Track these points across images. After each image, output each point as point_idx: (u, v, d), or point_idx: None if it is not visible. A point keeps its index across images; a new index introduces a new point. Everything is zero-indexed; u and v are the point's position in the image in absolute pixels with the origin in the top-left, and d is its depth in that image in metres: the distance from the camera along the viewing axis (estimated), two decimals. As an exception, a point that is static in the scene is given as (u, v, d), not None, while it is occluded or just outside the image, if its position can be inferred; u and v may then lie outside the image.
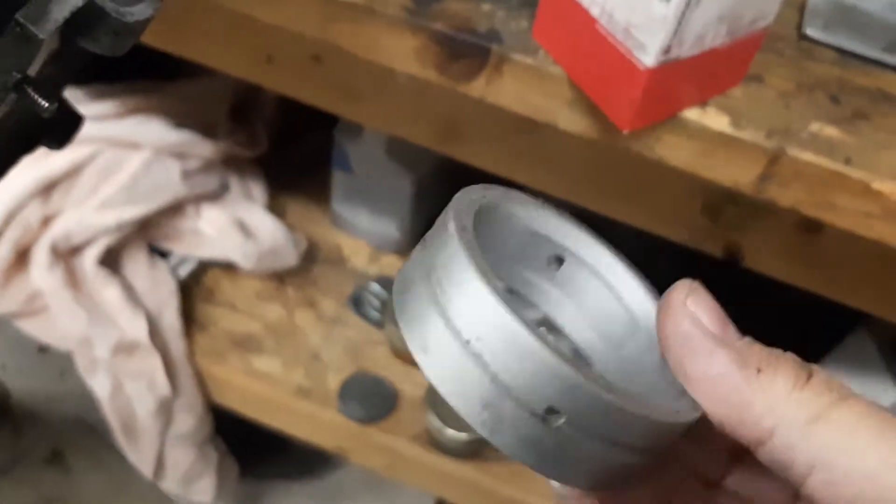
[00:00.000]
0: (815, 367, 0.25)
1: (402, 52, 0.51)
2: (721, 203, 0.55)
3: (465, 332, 0.23)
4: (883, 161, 0.46)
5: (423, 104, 0.58)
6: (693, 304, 0.25)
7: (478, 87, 0.50)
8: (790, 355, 0.25)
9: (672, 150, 0.47)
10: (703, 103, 0.46)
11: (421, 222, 0.95)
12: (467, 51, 0.49)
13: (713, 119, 0.46)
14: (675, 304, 0.25)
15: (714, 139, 0.46)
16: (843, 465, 0.23)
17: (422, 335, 0.24)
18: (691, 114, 0.46)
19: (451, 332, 0.23)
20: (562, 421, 0.22)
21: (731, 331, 0.25)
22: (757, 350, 0.25)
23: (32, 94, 0.29)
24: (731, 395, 0.24)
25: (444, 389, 0.23)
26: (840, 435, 0.23)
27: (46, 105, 0.29)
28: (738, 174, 0.47)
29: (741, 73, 0.47)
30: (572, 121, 0.49)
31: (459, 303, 0.23)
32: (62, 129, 0.37)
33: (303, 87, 0.64)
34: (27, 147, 0.36)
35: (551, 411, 0.22)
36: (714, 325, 0.25)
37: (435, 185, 0.92)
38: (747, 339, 0.25)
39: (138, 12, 0.27)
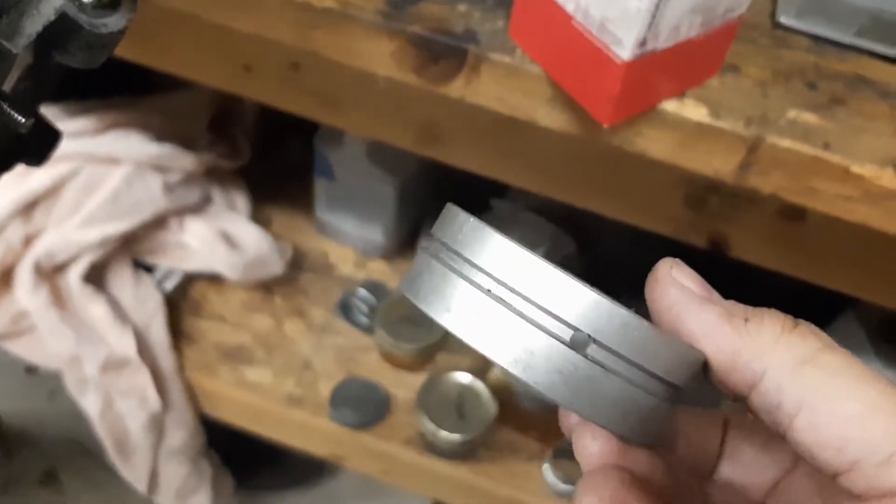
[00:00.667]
0: (800, 320, 0.26)
1: (380, 56, 0.51)
2: (703, 194, 0.55)
3: (484, 282, 0.24)
4: (861, 145, 0.46)
5: (403, 107, 0.58)
6: (678, 274, 0.26)
7: (457, 88, 0.50)
8: (774, 310, 0.26)
9: (652, 143, 0.48)
10: (680, 95, 0.47)
11: (405, 226, 0.95)
12: (445, 52, 0.49)
13: (691, 110, 0.46)
14: (662, 276, 0.26)
15: (693, 130, 0.47)
16: (828, 407, 0.23)
17: (443, 300, 0.24)
18: (670, 106, 0.46)
19: (471, 285, 0.24)
20: (592, 347, 0.23)
21: (716, 294, 0.26)
22: (742, 306, 0.26)
23: (7, 109, 0.29)
24: (722, 345, 0.25)
25: (473, 339, 0.24)
26: (827, 378, 0.24)
27: (23, 121, 0.29)
28: (718, 164, 0.47)
29: (717, 63, 0.48)
30: (552, 118, 0.49)
31: (477, 258, 0.24)
32: (40, 145, 0.36)
33: (282, 95, 0.64)
34: (5, 165, 0.36)
35: (580, 336, 0.23)
36: (699, 289, 0.26)
37: (418, 188, 0.92)
38: (732, 301, 0.26)
39: (112, 24, 0.27)
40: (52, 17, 0.26)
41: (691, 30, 0.43)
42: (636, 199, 0.58)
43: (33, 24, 0.27)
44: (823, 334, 0.25)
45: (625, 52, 0.42)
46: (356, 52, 0.52)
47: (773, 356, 0.24)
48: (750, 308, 0.26)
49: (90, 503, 1.04)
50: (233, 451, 0.97)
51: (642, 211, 0.58)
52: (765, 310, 0.26)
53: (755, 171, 0.47)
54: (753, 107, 0.47)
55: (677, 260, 0.27)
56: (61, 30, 0.27)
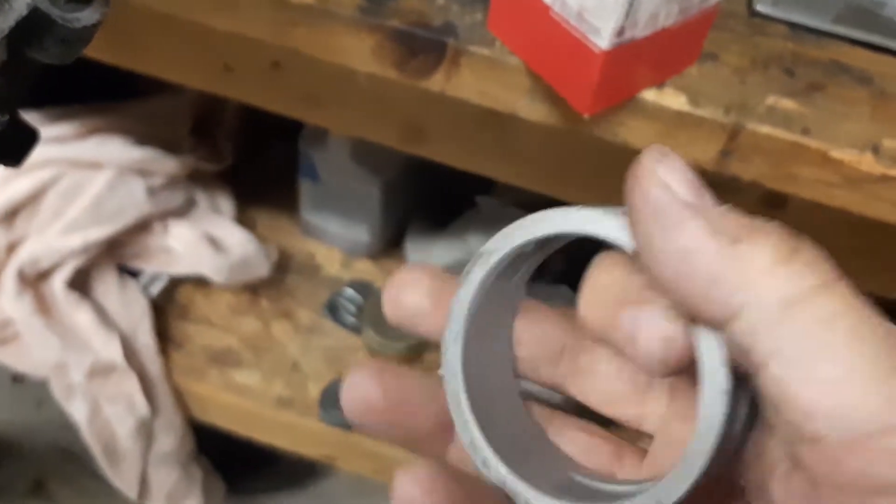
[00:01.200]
0: (805, 241, 0.21)
1: (360, 52, 0.51)
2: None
3: None
4: (840, 130, 0.46)
5: (386, 104, 0.58)
6: (664, 171, 0.22)
7: (437, 82, 0.50)
8: (776, 225, 0.21)
9: (633, 133, 0.48)
10: (660, 84, 0.47)
11: (391, 226, 0.95)
12: (424, 46, 0.49)
13: (671, 99, 0.46)
14: (645, 172, 0.22)
15: (673, 119, 0.47)
16: (803, 364, 0.20)
17: None
18: (649, 95, 0.46)
19: None
20: None
21: (708, 198, 0.22)
22: (735, 218, 0.21)
23: (-18, 108, 0.29)
24: (700, 269, 0.21)
25: None
26: (811, 327, 0.20)
27: (-2, 119, 0.29)
28: (699, 152, 0.48)
29: (696, 51, 0.48)
30: (533, 109, 0.49)
31: None
32: (17, 145, 0.36)
33: (264, 94, 0.64)
34: (-19, 165, 0.36)
35: None
36: (688, 192, 0.21)
37: (403, 187, 0.92)
38: (725, 207, 0.22)
39: (85, 18, 0.27)
40: (25, 12, 0.26)
41: (669, 18, 0.43)
42: (619, 191, 0.58)
43: (4, 20, 0.27)
44: (827, 265, 0.21)
45: (603, 41, 0.42)
46: (336, 48, 0.52)
47: (757, 291, 0.20)
48: (747, 223, 0.21)
49: (80, 511, 1.03)
50: (223, 455, 0.97)
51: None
52: (762, 228, 0.21)
53: (736, 159, 0.48)
54: (732, 94, 0.47)
55: (667, 149, 0.22)
56: (34, 25, 0.27)
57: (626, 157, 0.50)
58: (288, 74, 0.61)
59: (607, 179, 0.59)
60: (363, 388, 0.27)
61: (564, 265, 0.89)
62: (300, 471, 1.06)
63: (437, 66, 0.49)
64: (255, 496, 1.04)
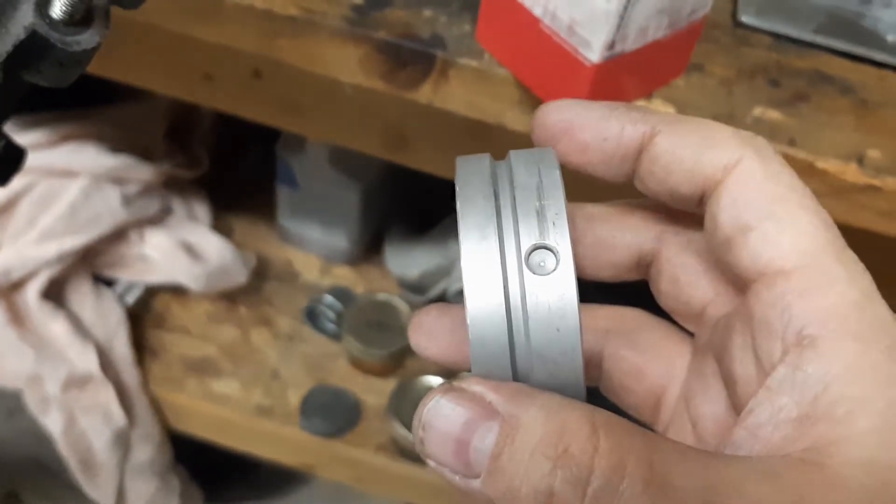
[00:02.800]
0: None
1: (347, 63, 0.50)
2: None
3: None
4: (825, 140, 0.47)
5: (370, 114, 0.58)
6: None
7: (425, 94, 0.50)
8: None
9: (622, 144, 0.48)
10: (648, 96, 0.47)
11: (370, 231, 0.95)
12: (412, 58, 0.49)
13: (659, 110, 0.47)
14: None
15: (662, 130, 0.47)
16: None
17: None
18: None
19: None
20: None
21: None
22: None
23: (-24, 132, 0.28)
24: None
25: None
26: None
27: (-8, 142, 0.28)
28: (687, 163, 0.48)
29: (683, 63, 0.48)
30: (521, 121, 0.49)
31: None
32: (5, 164, 0.35)
33: (244, 103, 0.63)
34: (-31, 186, 0.35)
35: None
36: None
37: (381, 193, 0.92)
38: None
39: (85, 41, 0.26)
40: (23, 36, 0.26)
41: (658, 31, 0.44)
42: (606, 202, 0.58)
43: (2, 44, 0.26)
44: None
45: (594, 54, 0.42)
46: (321, 59, 0.52)
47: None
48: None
49: (55, 524, 1.01)
50: (200, 464, 0.96)
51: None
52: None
53: (723, 169, 0.48)
54: (719, 105, 0.47)
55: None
56: (31, 48, 0.26)
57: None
58: (269, 84, 0.60)
59: (593, 191, 0.59)
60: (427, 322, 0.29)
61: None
62: (278, 478, 1.05)
63: (426, 77, 0.49)
64: (234, 504, 1.03)
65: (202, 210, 0.93)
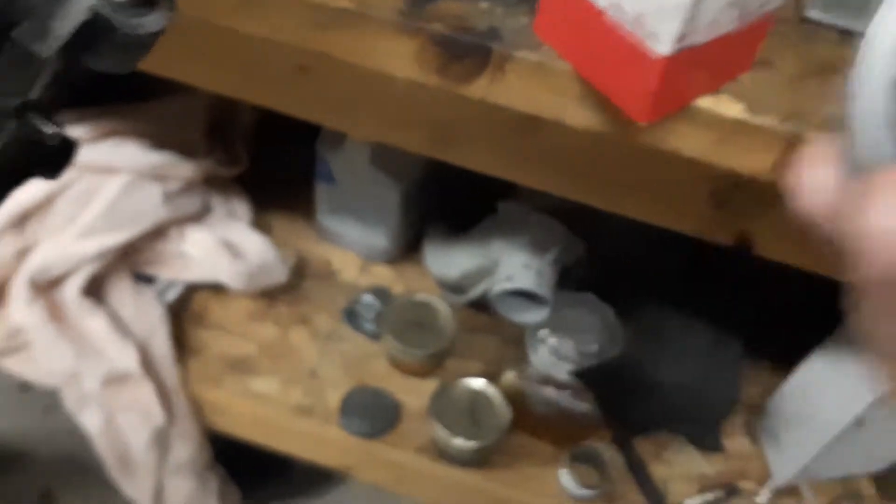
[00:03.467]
0: None
1: (400, 57, 0.49)
2: (730, 191, 0.54)
3: None
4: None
5: (419, 109, 0.56)
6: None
7: (480, 88, 0.49)
8: None
9: (686, 140, 0.46)
10: (715, 91, 0.45)
11: (410, 230, 0.93)
12: (468, 51, 0.47)
13: (727, 106, 0.45)
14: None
15: (729, 127, 0.45)
16: None
17: None
18: (705, 102, 0.45)
19: None
20: None
21: None
22: None
23: (35, 120, 0.27)
24: None
25: None
26: None
27: (51, 132, 0.27)
28: (754, 161, 0.46)
29: (750, 58, 0.46)
30: (581, 116, 0.47)
31: None
32: (58, 156, 0.34)
33: (287, 99, 0.62)
34: (22, 177, 0.34)
35: None
36: None
37: (422, 192, 0.91)
38: None
39: (149, 24, 0.25)
40: (85, 18, 0.25)
41: (728, 24, 0.42)
42: (661, 198, 0.56)
43: (63, 26, 0.25)
44: None
45: (663, 46, 0.40)
46: (373, 52, 0.50)
47: None
48: None
49: (91, 522, 1.01)
50: (237, 463, 0.95)
51: (667, 210, 0.57)
52: None
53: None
54: (789, 102, 0.45)
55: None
56: (94, 31, 0.25)
57: (670, 164, 0.49)
58: (315, 79, 0.59)
59: (648, 187, 0.57)
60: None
61: (589, 273, 0.87)
62: (313, 478, 1.04)
63: (482, 71, 0.48)
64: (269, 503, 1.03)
65: (242, 208, 0.93)
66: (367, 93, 0.58)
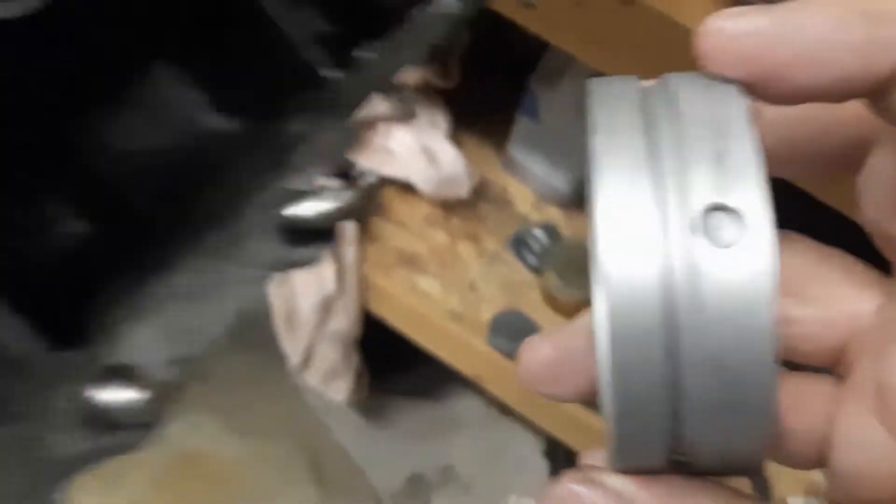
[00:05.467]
0: None
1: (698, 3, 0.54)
2: None
3: None
4: None
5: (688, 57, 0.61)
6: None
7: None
8: None
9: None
10: None
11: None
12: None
13: None
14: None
15: None
16: None
17: None
18: None
19: None
20: None
21: None
22: None
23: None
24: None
25: None
26: None
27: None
28: None
29: None
30: None
31: None
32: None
33: (563, 33, 0.67)
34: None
35: None
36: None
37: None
38: None
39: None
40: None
41: None
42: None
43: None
44: None
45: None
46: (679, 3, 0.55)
47: None
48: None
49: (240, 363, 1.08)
50: (370, 348, 1.02)
51: None
52: None
53: None
54: None
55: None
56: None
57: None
58: (592, 13, 0.64)
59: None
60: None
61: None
62: (431, 384, 1.11)
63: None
64: (390, 396, 1.10)
65: (442, 120, 0.99)
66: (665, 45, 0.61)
